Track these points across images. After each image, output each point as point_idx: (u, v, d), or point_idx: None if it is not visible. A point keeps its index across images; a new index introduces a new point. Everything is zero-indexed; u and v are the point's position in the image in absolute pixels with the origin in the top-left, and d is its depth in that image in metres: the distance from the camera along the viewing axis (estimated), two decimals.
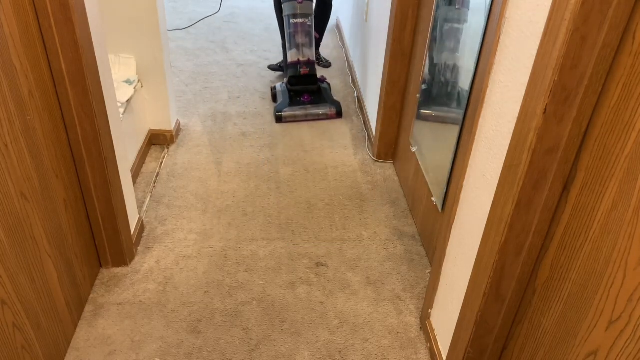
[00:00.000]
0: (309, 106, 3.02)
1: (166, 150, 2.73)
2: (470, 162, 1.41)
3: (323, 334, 1.79)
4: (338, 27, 4.37)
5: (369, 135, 2.90)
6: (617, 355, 0.95)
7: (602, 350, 0.99)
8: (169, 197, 2.39)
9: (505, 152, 1.18)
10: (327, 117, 3.04)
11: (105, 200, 1.81)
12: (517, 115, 1.12)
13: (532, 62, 1.05)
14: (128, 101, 2.34)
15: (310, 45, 3.05)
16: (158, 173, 2.55)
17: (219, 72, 3.59)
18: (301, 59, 3.04)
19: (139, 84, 2.54)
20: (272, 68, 3.76)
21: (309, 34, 3.04)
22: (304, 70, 3.04)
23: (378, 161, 2.72)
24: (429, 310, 1.76)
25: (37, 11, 1.44)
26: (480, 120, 1.34)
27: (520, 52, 1.12)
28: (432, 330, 1.73)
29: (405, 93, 2.48)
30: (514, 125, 1.14)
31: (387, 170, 2.67)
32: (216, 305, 1.88)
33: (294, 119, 2.99)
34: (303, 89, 3.06)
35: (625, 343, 0.92)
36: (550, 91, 0.99)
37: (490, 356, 1.43)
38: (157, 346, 1.72)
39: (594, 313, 1.02)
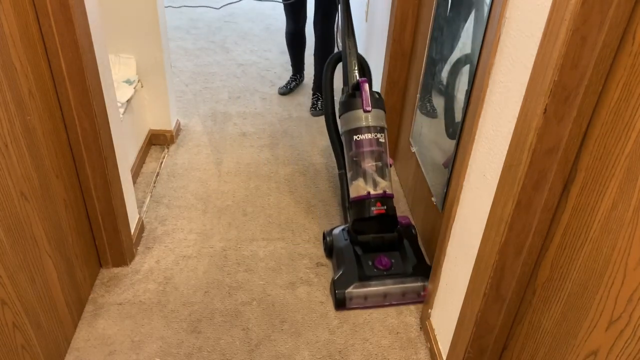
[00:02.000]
0: (388, 281, 1.90)
1: (166, 150, 2.73)
2: (470, 162, 1.41)
3: (323, 334, 1.79)
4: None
5: None
6: (617, 355, 0.95)
7: (602, 350, 0.99)
8: (169, 197, 2.39)
9: (505, 152, 1.18)
10: (417, 300, 1.92)
11: (105, 200, 1.81)
12: (517, 115, 1.12)
13: (532, 62, 1.05)
14: (128, 101, 2.34)
15: (384, 173, 1.95)
16: (158, 173, 2.55)
17: (219, 72, 3.59)
18: (372, 191, 1.92)
19: (139, 84, 2.54)
20: (282, 92, 3.32)
21: (381, 156, 1.96)
22: (377, 210, 1.91)
23: None
24: (429, 310, 1.76)
25: (37, 11, 1.44)
26: (480, 120, 1.34)
27: (520, 52, 1.12)
28: (432, 330, 1.73)
29: (405, 93, 2.48)
30: (514, 125, 1.14)
31: None
32: (216, 305, 1.88)
33: (364, 304, 1.90)
34: (377, 239, 1.97)
35: (625, 343, 0.92)
36: (550, 91, 0.99)
37: (490, 356, 1.43)
38: (157, 346, 1.72)
39: (594, 313, 1.02)
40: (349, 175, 2.01)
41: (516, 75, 1.14)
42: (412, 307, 1.90)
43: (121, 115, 2.18)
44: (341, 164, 2.14)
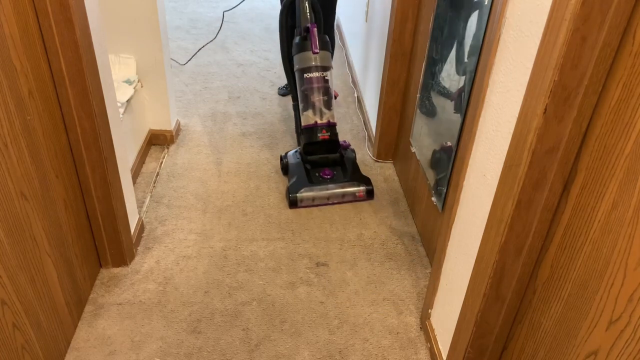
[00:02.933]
0: (330, 185, 2.38)
1: (166, 150, 2.73)
2: (470, 162, 1.41)
3: (323, 334, 1.79)
4: (338, 27, 4.37)
5: (369, 135, 2.90)
6: (617, 356, 0.95)
7: (602, 350, 0.99)
8: (169, 197, 2.39)
9: (505, 152, 1.18)
10: (354, 199, 2.40)
11: (105, 200, 1.81)
12: (517, 115, 1.12)
13: (532, 62, 1.05)
14: (128, 101, 2.34)
15: (329, 105, 2.38)
16: (158, 173, 2.55)
17: (219, 72, 3.59)
18: (319, 121, 2.36)
19: (139, 84, 2.54)
20: (282, 92, 3.32)
21: (327, 91, 2.38)
22: (322, 136, 2.37)
23: (378, 161, 2.72)
24: (429, 310, 1.76)
25: (37, 11, 1.44)
26: (480, 120, 1.34)
27: (520, 52, 1.12)
28: (432, 330, 1.73)
29: (405, 93, 2.48)
30: (514, 125, 1.13)
31: (387, 170, 2.66)
32: (216, 305, 1.88)
33: (312, 203, 2.36)
34: (322, 159, 2.43)
35: (626, 343, 0.92)
36: (550, 91, 0.99)
37: (490, 356, 1.43)
38: (157, 346, 1.72)
39: (594, 313, 1.02)
40: (300, 106, 2.42)
41: (516, 75, 1.14)
42: (412, 307, 1.91)
43: (121, 115, 2.18)
44: (295, 97, 2.54)
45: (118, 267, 1.99)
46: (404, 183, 2.51)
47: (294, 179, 2.39)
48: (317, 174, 2.42)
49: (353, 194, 2.39)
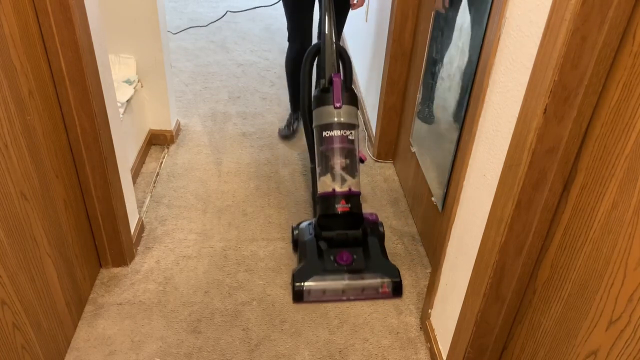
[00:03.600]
0: (347, 275, 1.90)
1: (166, 150, 2.73)
2: (470, 162, 1.41)
3: (323, 334, 1.79)
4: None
5: (369, 135, 2.90)
6: (617, 356, 0.95)
7: (602, 350, 0.99)
8: (169, 197, 2.39)
9: (505, 152, 1.18)
10: (376, 295, 1.92)
11: (105, 200, 1.81)
12: (517, 115, 1.12)
13: (532, 62, 1.05)
14: (128, 101, 2.34)
15: (352, 170, 1.93)
16: (158, 173, 2.55)
17: (219, 72, 3.59)
18: (337, 188, 1.89)
19: (139, 84, 2.54)
20: (285, 134, 2.85)
21: (350, 153, 1.93)
22: (341, 207, 1.89)
23: (378, 161, 2.72)
24: (429, 310, 1.76)
25: (37, 11, 1.44)
26: (480, 120, 1.34)
27: (520, 52, 1.12)
28: (432, 330, 1.73)
29: (405, 93, 2.48)
30: (514, 125, 1.13)
31: (387, 170, 2.67)
32: (216, 305, 1.88)
33: (322, 297, 1.90)
34: (340, 236, 1.93)
35: (626, 343, 0.92)
36: (550, 91, 0.99)
37: (490, 356, 1.43)
38: (157, 346, 1.72)
39: (594, 313, 1.02)
40: (318, 170, 1.98)
41: (516, 75, 1.14)
42: (412, 307, 1.91)
43: (121, 115, 2.18)
44: (313, 158, 2.13)
45: (118, 267, 1.99)
46: (404, 183, 2.51)
47: (302, 263, 1.95)
48: (332, 258, 1.92)
49: (375, 288, 1.90)
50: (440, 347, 1.67)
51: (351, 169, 1.93)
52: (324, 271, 1.89)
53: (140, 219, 2.16)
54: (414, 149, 2.25)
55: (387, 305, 1.91)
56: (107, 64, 1.77)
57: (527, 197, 1.12)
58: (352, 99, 1.99)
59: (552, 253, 1.17)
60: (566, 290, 1.12)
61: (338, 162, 1.91)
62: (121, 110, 2.21)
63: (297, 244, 2.06)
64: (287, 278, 2.00)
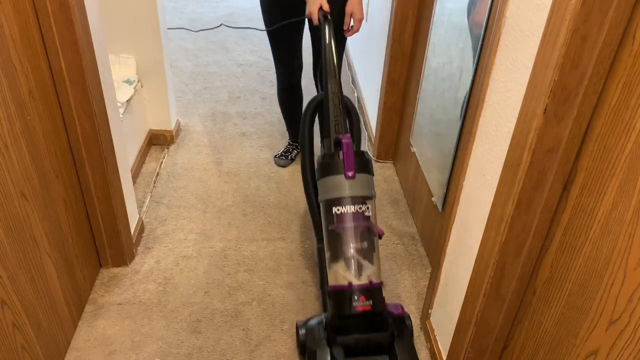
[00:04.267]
0: None
1: (166, 150, 2.73)
2: (470, 162, 1.41)
3: None
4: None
5: (369, 135, 2.90)
6: (617, 355, 0.95)
7: (602, 350, 0.99)
8: (169, 197, 2.39)
9: (505, 152, 1.18)
10: None
11: (105, 200, 1.81)
12: (517, 115, 1.12)
13: (532, 62, 1.05)
14: (128, 101, 2.34)
15: (372, 254, 1.50)
16: (158, 173, 2.55)
17: (219, 72, 3.59)
18: (355, 281, 1.45)
19: (139, 84, 2.54)
20: (283, 164, 2.64)
21: (367, 233, 1.51)
22: (361, 306, 1.44)
23: (378, 161, 2.72)
24: (429, 310, 1.76)
25: (37, 11, 1.44)
26: (480, 120, 1.34)
27: (520, 52, 1.12)
28: (432, 330, 1.73)
29: (405, 93, 2.48)
30: (514, 125, 1.13)
31: (387, 170, 2.67)
32: (216, 305, 1.88)
33: None
34: (361, 342, 1.48)
35: (626, 343, 0.92)
36: (551, 91, 0.99)
37: (490, 356, 1.43)
38: (157, 346, 1.72)
39: (594, 313, 1.02)
40: (327, 255, 1.54)
41: (516, 75, 1.14)
42: (412, 307, 1.90)
43: (121, 115, 2.18)
44: (320, 237, 1.66)
45: (118, 267, 1.99)
46: (404, 183, 2.51)
47: None
48: None
49: None
50: (440, 347, 1.66)
51: (369, 252, 1.50)
52: None
53: (140, 219, 2.16)
54: (414, 149, 2.25)
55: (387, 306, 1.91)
56: (107, 64, 1.77)
57: (527, 197, 1.12)
58: (366, 165, 1.58)
59: (552, 253, 1.17)
60: (566, 290, 1.12)
61: (353, 245, 1.49)
62: (121, 110, 2.21)
63: (304, 347, 1.60)
64: (287, 278, 2.00)
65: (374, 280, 1.46)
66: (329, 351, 1.48)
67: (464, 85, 1.67)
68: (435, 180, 1.98)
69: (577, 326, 1.08)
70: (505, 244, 1.20)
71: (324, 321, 1.55)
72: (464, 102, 1.67)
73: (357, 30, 2.13)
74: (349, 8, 2.07)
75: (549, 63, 0.98)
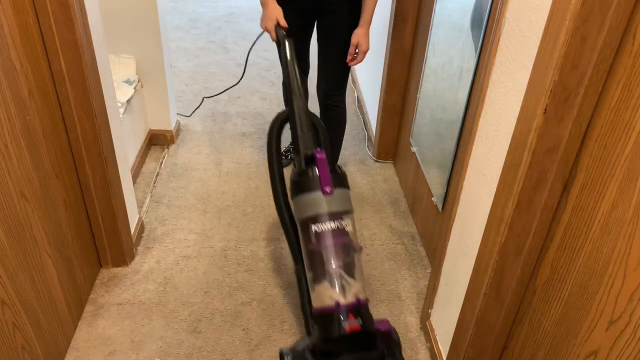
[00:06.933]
0: None
1: (166, 150, 2.73)
2: (470, 162, 1.41)
3: None
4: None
5: (369, 135, 2.90)
6: (617, 356, 0.95)
7: (603, 350, 0.99)
8: (169, 197, 2.39)
9: (505, 152, 1.18)
10: None
11: (105, 200, 1.81)
12: (517, 115, 1.12)
13: (532, 62, 1.05)
14: (128, 101, 2.34)
15: (352, 270, 1.42)
16: (158, 173, 2.55)
17: (219, 72, 3.59)
18: (342, 300, 1.37)
19: (139, 84, 2.54)
20: (284, 164, 2.29)
21: (348, 249, 1.45)
22: (351, 325, 1.34)
23: (378, 161, 2.72)
24: (429, 310, 1.76)
25: (37, 11, 1.44)
26: (480, 120, 1.34)
27: (520, 52, 1.12)
28: (432, 330, 1.73)
29: (405, 93, 2.48)
30: (514, 125, 1.14)
31: (387, 170, 2.66)
32: (216, 305, 1.88)
33: None
34: None
35: (626, 343, 0.92)
36: (551, 91, 0.99)
37: (490, 356, 1.43)
38: (157, 346, 1.72)
39: (594, 313, 1.02)
40: (309, 275, 1.46)
41: (516, 75, 1.14)
42: (412, 307, 1.91)
43: (121, 115, 2.18)
44: (298, 258, 1.57)
45: (118, 267, 1.99)
46: (404, 183, 2.51)
47: None
48: None
49: None
50: (440, 347, 1.66)
51: (352, 269, 1.43)
52: None
53: (140, 219, 2.16)
54: (414, 149, 2.25)
55: (387, 306, 1.91)
56: (107, 64, 1.77)
57: (527, 197, 1.12)
58: (342, 180, 1.51)
59: (552, 253, 1.17)
60: (566, 290, 1.12)
61: (336, 263, 1.42)
62: (121, 110, 2.21)
63: None
64: (287, 278, 2.00)
65: (361, 298, 1.39)
66: None
67: (464, 85, 1.67)
68: (435, 180, 1.98)
69: (577, 326, 1.08)
70: (505, 244, 1.20)
71: (309, 346, 1.44)
72: (466, 101, 1.67)
73: (361, 61, 2.08)
74: (354, 39, 2.02)
75: (549, 63, 0.98)
